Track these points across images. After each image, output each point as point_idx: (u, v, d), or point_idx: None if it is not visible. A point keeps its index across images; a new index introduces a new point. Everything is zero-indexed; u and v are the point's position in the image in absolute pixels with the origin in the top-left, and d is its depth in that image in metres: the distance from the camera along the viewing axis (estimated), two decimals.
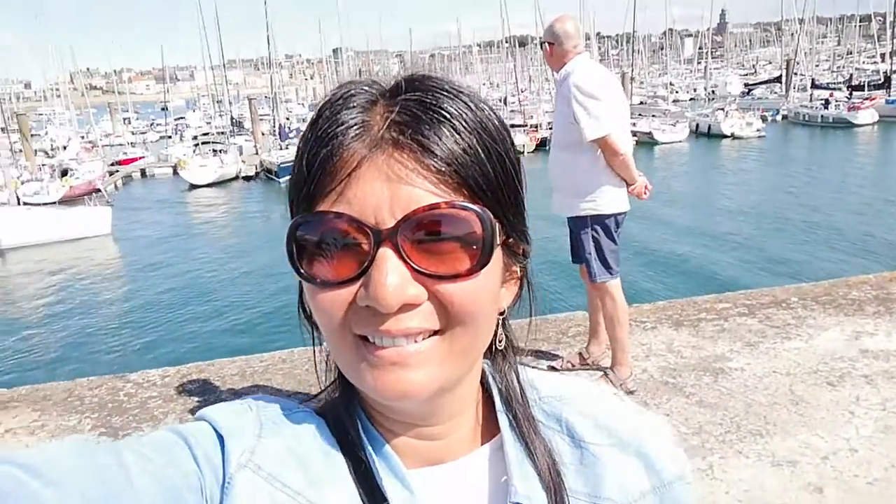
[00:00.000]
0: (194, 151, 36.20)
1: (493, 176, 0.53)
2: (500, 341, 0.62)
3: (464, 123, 0.52)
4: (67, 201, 26.13)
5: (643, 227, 16.33)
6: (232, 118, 44.59)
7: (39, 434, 3.43)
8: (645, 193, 3.50)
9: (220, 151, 35.11)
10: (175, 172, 34.25)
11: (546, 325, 4.49)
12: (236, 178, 33.36)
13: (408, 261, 0.50)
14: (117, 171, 36.23)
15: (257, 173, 33.54)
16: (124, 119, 55.25)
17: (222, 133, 41.42)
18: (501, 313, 0.61)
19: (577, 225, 3.51)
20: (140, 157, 39.90)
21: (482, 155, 0.52)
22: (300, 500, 0.54)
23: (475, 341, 0.56)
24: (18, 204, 23.16)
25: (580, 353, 3.85)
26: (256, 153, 36.48)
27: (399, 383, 0.52)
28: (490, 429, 0.64)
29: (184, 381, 3.83)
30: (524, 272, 0.62)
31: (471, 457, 0.62)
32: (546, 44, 3.50)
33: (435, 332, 0.53)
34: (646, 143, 34.91)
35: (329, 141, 0.52)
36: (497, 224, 0.53)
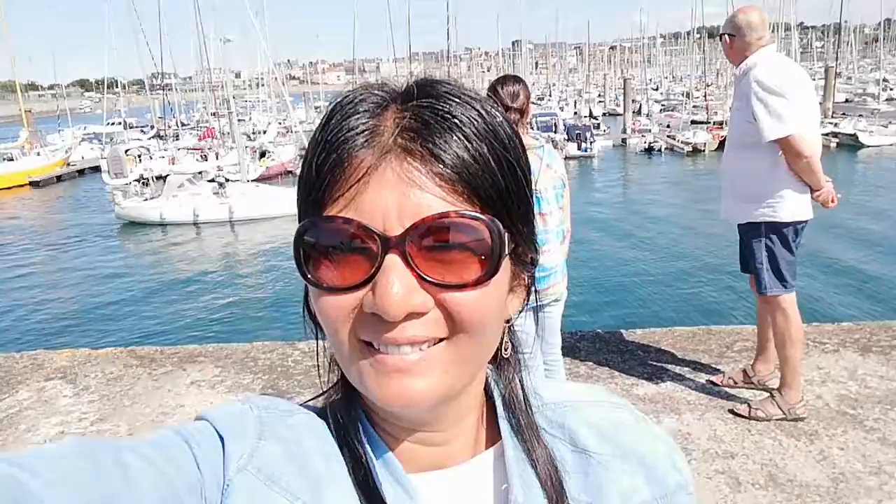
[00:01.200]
0: None
1: (503, 185, 0.53)
2: (505, 349, 0.62)
3: (475, 131, 0.52)
4: (262, 180, 28.89)
5: (834, 239, 14.76)
6: None
7: (218, 388, 3.84)
8: (832, 202, 3.15)
9: None
10: None
11: (709, 336, 4.22)
12: None
13: (415, 269, 0.50)
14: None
15: None
16: (315, 107, 59.72)
17: None
18: (508, 321, 0.61)
19: (749, 232, 3.25)
20: None
21: (493, 164, 0.52)
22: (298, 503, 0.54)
23: (481, 350, 0.56)
24: (147, 184, 25.93)
25: (744, 371, 3.58)
26: None
27: (403, 391, 0.52)
28: (492, 435, 0.64)
29: None
30: (531, 280, 0.61)
31: (472, 463, 0.62)
32: (726, 36, 3.25)
33: (440, 340, 0.52)
34: (848, 145, 31.40)
35: (339, 146, 0.52)
36: (506, 234, 0.53)
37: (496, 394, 0.64)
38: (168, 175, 25.48)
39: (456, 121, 0.51)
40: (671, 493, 0.63)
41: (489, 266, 0.52)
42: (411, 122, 0.51)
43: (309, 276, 0.53)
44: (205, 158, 34.85)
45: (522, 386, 0.64)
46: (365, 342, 0.52)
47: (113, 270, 18.22)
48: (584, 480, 0.62)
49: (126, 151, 36.85)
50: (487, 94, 2.83)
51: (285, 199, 22.60)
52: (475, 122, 0.52)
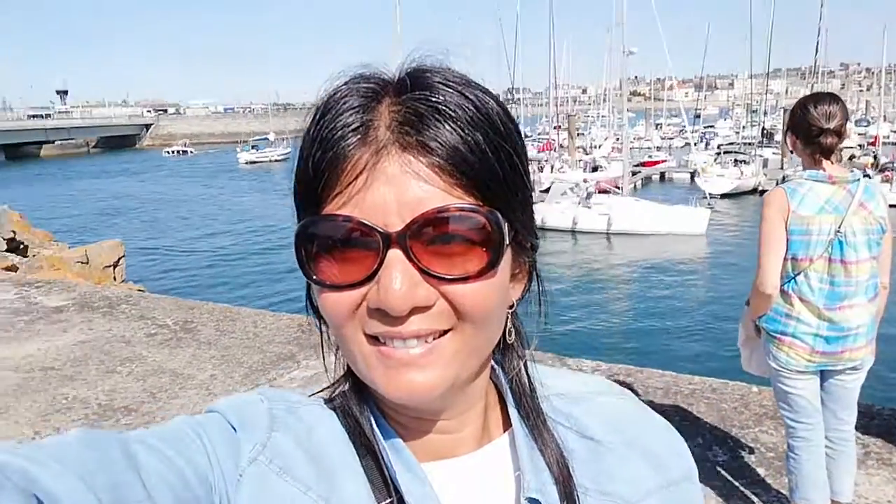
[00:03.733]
0: (715, 160, 35.93)
1: (501, 175, 0.52)
2: (509, 335, 0.61)
3: (470, 121, 0.51)
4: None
5: None
6: (763, 129, 42.54)
7: None
8: None
9: (742, 162, 33.97)
10: (692, 179, 34.67)
11: None
12: (754, 191, 31.79)
13: (417, 263, 0.50)
14: (639, 171, 38.68)
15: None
16: (656, 124, 58.39)
17: (749, 144, 39.93)
18: (511, 307, 0.60)
19: None
20: (662, 161, 41.65)
21: (490, 154, 0.51)
22: (311, 495, 0.54)
23: (486, 339, 0.55)
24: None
25: None
26: (782, 167, 34.00)
27: (410, 384, 0.51)
28: (500, 423, 0.64)
29: (610, 378, 3.87)
30: (533, 265, 0.61)
31: (482, 451, 0.61)
32: None
33: (445, 332, 0.52)
34: None
35: (334, 143, 0.51)
36: (506, 223, 0.52)
37: (503, 382, 0.63)
38: (553, 183, 27.29)
39: (451, 112, 0.50)
40: (675, 481, 0.63)
41: (491, 256, 0.52)
42: (406, 115, 0.51)
43: (311, 274, 0.53)
44: (541, 170, 36.64)
45: (527, 372, 0.64)
46: (370, 336, 0.52)
47: None
48: (591, 468, 0.61)
49: None
50: (796, 110, 2.37)
51: (667, 217, 22.71)
52: (471, 114, 0.51)
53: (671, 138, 55.85)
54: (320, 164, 0.51)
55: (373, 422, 0.59)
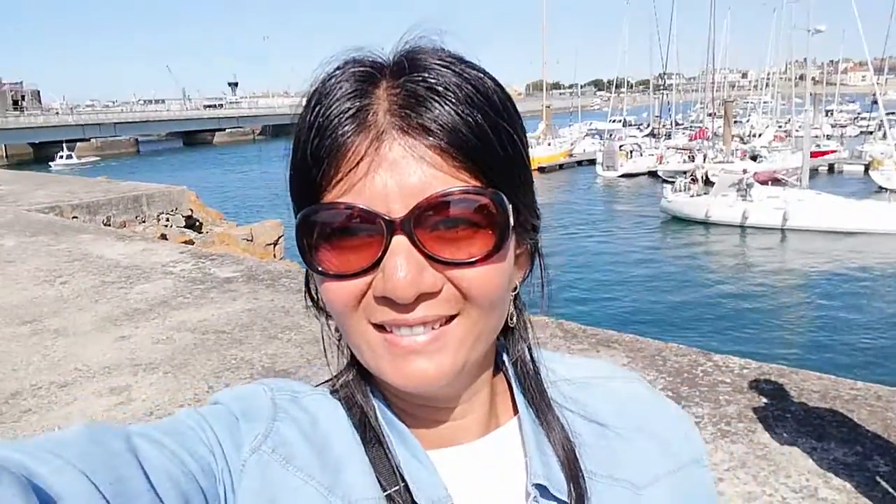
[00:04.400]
0: None
1: (502, 155, 0.51)
2: (511, 318, 0.60)
3: (470, 102, 0.49)
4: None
5: None
6: None
7: None
8: None
9: None
10: (866, 171, 31.40)
11: None
12: None
13: (423, 249, 0.49)
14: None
15: None
16: (826, 111, 53.35)
17: None
18: (514, 290, 0.59)
19: None
20: (831, 151, 38.05)
21: (491, 135, 0.50)
22: (314, 484, 0.53)
23: (492, 323, 0.55)
24: (695, 181, 25.49)
25: None
26: None
27: (418, 371, 0.51)
28: (506, 409, 0.63)
29: (759, 378, 3.66)
30: (535, 247, 0.60)
31: (488, 437, 0.61)
32: None
33: (452, 317, 0.51)
34: None
35: (332, 130, 0.50)
36: (509, 205, 0.51)
37: (509, 368, 0.63)
38: (720, 173, 25.73)
39: (450, 93, 0.49)
40: (685, 465, 0.62)
41: (497, 239, 0.51)
42: (405, 98, 0.49)
43: (314, 264, 0.52)
44: (692, 159, 34.76)
45: (532, 357, 0.63)
46: (376, 325, 0.52)
47: (622, 255, 19.61)
48: (598, 453, 0.61)
49: (620, 147, 39.39)
50: None
51: (857, 212, 20.77)
52: (471, 95, 0.50)
53: (843, 126, 50.83)
54: (318, 151, 0.50)
55: (377, 410, 0.58)
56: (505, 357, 0.63)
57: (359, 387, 0.59)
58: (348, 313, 0.52)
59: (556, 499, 0.57)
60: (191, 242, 11.21)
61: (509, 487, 0.59)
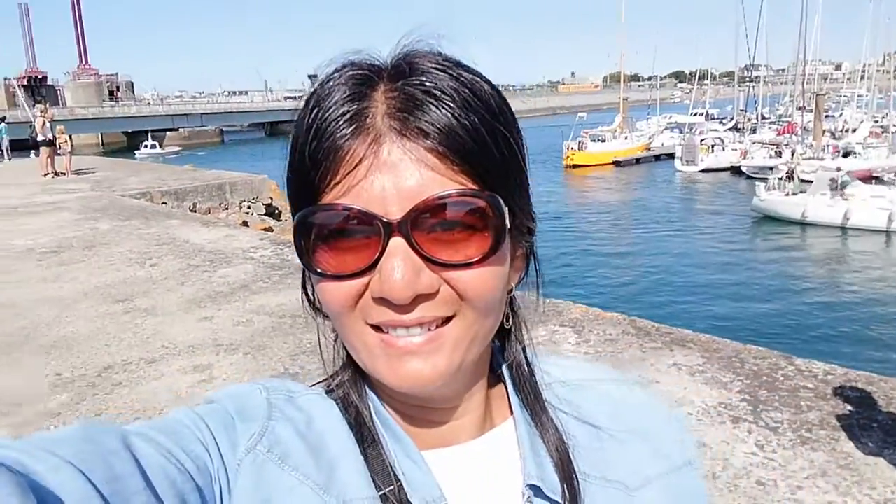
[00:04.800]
0: None
1: (499, 158, 0.52)
2: (507, 320, 0.60)
3: (467, 105, 0.50)
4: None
5: None
6: None
7: (697, 377, 3.79)
8: None
9: None
10: None
11: None
12: None
13: (420, 251, 0.49)
14: None
15: None
16: None
17: None
18: (510, 291, 0.59)
19: None
20: None
21: (488, 138, 0.51)
22: (309, 484, 0.53)
23: (488, 325, 0.55)
24: (791, 178, 24.16)
25: None
26: None
27: (414, 372, 0.51)
28: (500, 410, 0.63)
29: (844, 385, 3.49)
30: (530, 249, 0.60)
31: (483, 438, 0.61)
32: None
33: (448, 318, 0.52)
34: None
35: (330, 133, 0.50)
36: (506, 207, 0.52)
37: (504, 369, 0.63)
38: (815, 171, 24.48)
39: (447, 97, 0.50)
40: (677, 468, 0.63)
41: (493, 241, 0.51)
42: (402, 101, 0.50)
43: (312, 264, 0.53)
44: (778, 154, 33.24)
45: (527, 359, 0.64)
46: (372, 326, 0.52)
47: (695, 255, 18.87)
48: (592, 455, 0.61)
49: (701, 141, 38.08)
50: None
51: None
52: (468, 99, 0.50)
53: None
54: (317, 154, 0.51)
55: (373, 410, 0.59)
56: (500, 359, 0.64)
57: (354, 387, 0.60)
58: (345, 314, 0.53)
59: (549, 499, 0.58)
60: (270, 230, 11.61)
61: (504, 488, 0.59)
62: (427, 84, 0.50)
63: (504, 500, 0.59)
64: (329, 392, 0.61)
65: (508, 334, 0.64)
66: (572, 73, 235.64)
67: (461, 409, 0.60)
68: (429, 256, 0.50)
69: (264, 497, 0.52)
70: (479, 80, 0.53)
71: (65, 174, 15.62)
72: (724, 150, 37.37)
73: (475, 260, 0.51)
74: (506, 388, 0.64)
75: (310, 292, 0.61)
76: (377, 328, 0.52)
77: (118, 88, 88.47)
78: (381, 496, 0.54)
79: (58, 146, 15.84)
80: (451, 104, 0.50)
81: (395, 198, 0.49)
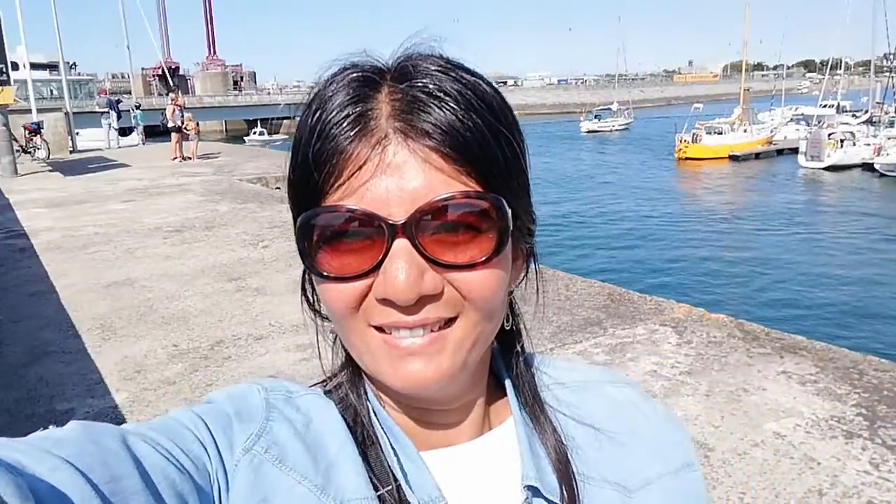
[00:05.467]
0: None
1: (502, 160, 0.52)
2: (507, 321, 0.60)
3: (471, 108, 0.50)
4: None
5: None
6: None
7: (808, 386, 3.55)
8: None
9: None
10: None
11: None
12: None
13: (424, 252, 0.49)
14: None
15: None
16: None
17: None
18: (510, 293, 0.60)
19: None
20: None
21: (491, 140, 0.51)
22: (307, 484, 0.53)
23: (490, 326, 0.55)
24: None
25: None
26: None
27: (417, 373, 0.51)
28: (500, 411, 0.63)
29: None
30: (530, 250, 0.60)
31: (482, 439, 0.61)
32: None
33: (451, 319, 0.52)
34: None
35: (334, 135, 0.50)
36: (508, 208, 0.51)
37: (503, 371, 0.63)
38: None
39: (451, 98, 0.50)
40: (676, 470, 0.63)
41: (497, 243, 0.51)
42: (406, 103, 0.50)
43: (315, 266, 0.52)
44: None
45: (526, 360, 0.64)
46: (375, 328, 0.52)
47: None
48: (590, 456, 0.61)
49: (829, 135, 35.45)
50: None
51: None
52: (471, 101, 0.50)
53: None
54: (320, 156, 0.51)
55: (371, 411, 0.59)
56: (500, 360, 0.64)
57: (353, 388, 0.60)
58: (348, 316, 0.53)
59: (548, 501, 0.57)
60: None
61: (502, 489, 0.59)
62: (431, 86, 0.50)
63: (503, 501, 0.58)
64: (327, 393, 0.61)
65: (508, 336, 0.64)
66: (689, 62, 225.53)
67: (461, 410, 0.60)
68: (433, 258, 0.50)
69: (261, 497, 0.52)
70: (481, 82, 0.53)
71: (191, 158, 16.69)
72: (854, 144, 34.56)
73: (479, 261, 0.51)
74: (505, 389, 0.63)
75: (309, 294, 0.61)
76: (380, 329, 0.52)
77: (242, 78, 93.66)
78: (379, 497, 0.54)
79: (186, 132, 16.96)
80: (455, 106, 0.50)
81: (399, 199, 0.49)
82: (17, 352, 4.42)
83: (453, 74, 0.52)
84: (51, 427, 0.45)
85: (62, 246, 7.49)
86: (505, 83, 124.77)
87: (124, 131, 23.73)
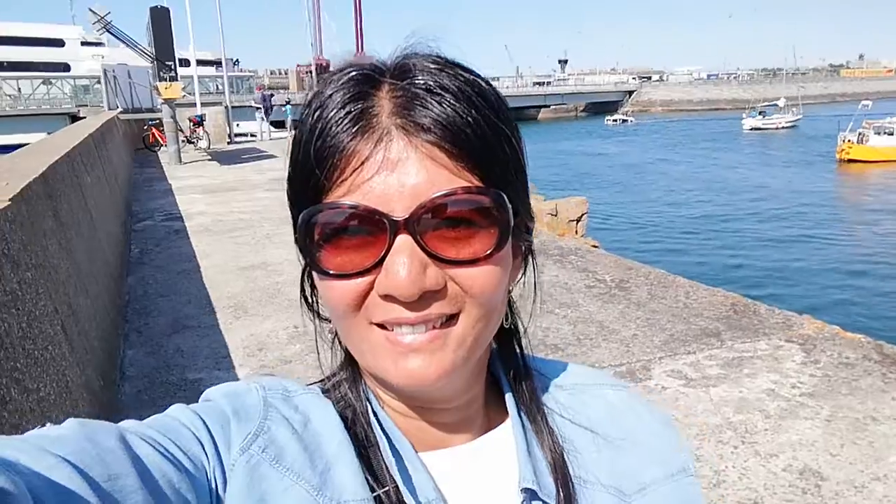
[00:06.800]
0: None
1: (502, 156, 0.52)
2: (506, 319, 0.60)
3: (470, 104, 0.50)
4: None
5: None
6: None
7: None
8: None
9: None
10: None
11: None
12: None
13: (426, 248, 0.50)
14: None
15: None
16: None
17: None
18: (508, 291, 0.60)
19: None
20: None
21: (491, 136, 0.51)
22: (303, 484, 0.53)
23: (491, 323, 0.55)
24: None
25: None
26: None
27: (419, 370, 0.51)
28: (497, 413, 0.63)
29: None
30: (528, 248, 0.60)
31: (480, 440, 0.61)
32: None
33: (453, 316, 0.52)
34: None
35: (336, 132, 0.50)
36: (510, 205, 0.52)
37: (501, 371, 0.64)
38: None
39: (451, 95, 0.50)
40: (673, 474, 0.63)
41: (498, 238, 0.52)
42: (407, 100, 0.50)
43: (317, 263, 0.53)
44: None
45: (524, 361, 0.64)
46: (377, 325, 0.52)
47: None
48: (587, 459, 0.61)
49: None
50: None
51: None
52: (472, 97, 0.51)
53: None
54: (321, 153, 0.51)
55: (370, 411, 0.58)
56: (498, 361, 0.64)
57: (352, 387, 0.60)
58: (350, 313, 0.53)
59: (544, 503, 0.58)
60: None
61: (499, 491, 0.59)
62: (431, 82, 0.51)
63: (499, 502, 0.59)
64: (326, 392, 0.61)
65: (506, 336, 0.64)
66: (860, 56, 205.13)
67: (459, 411, 0.60)
68: (435, 254, 0.50)
69: (258, 497, 0.52)
70: (478, 79, 0.54)
71: None
72: None
73: (481, 257, 0.51)
74: (503, 390, 0.63)
75: (307, 293, 0.62)
76: (381, 327, 0.53)
77: None
78: (376, 497, 0.54)
79: None
80: (455, 101, 0.50)
81: (401, 196, 0.49)
82: (161, 323, 4.92)
83: (451, 71, 0.52)
84: (48, 425, 0.45)
85: (210, 229, 8.20)
86: (648, 78, 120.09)
87: (277, 124, 25.39)
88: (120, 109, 18.28)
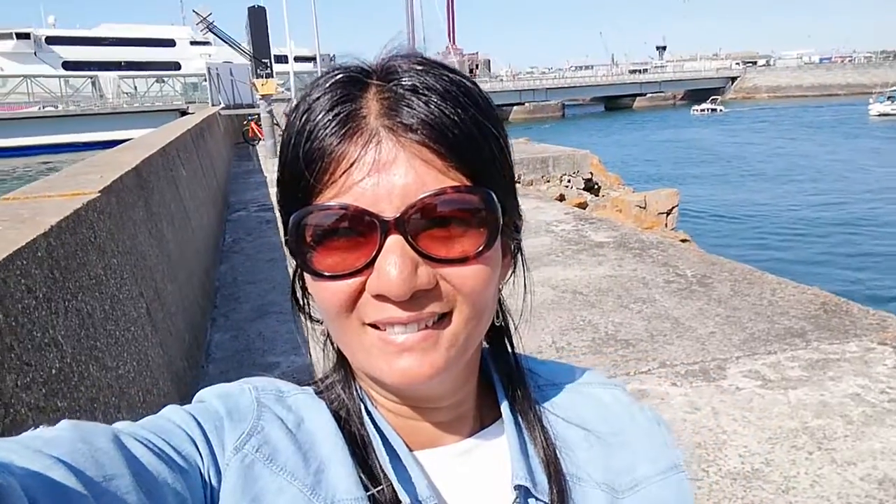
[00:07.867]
0: None
1: (489, 155, 0.53)
2: (497, 317, 0.61)
3: (459, 106, 0.51)
4: None
5: None
6: None
7: None
8: None
9: None
10: None
11: None
12: None
13: (417, 248, 0.50)
14: None
15: None
16: None
17: None
18: (499, 290, 0.61)
19: None
20: None
21: (478, 135, 0.52)
22: (297, 484, 0.53)
23: (482, 321, 0.56)
24: None
25: None
26: None
27: (411, 368, 0.52)
28: (490, 411, 0.64)
29: None
30: (517, 247, 0.61)
31: (473, 439, 0.62)
32: None
33: (444, 316, 0.53)
34: None
35: (325, 134, 0.51)
36: (499, 204, 0.52)
37: (493, 370, 0.64)
38: None
39: (437, 95, 0.51)
40: (663, 471, 0.63)
41: (488, 237, 0.52)
42: (395, 101, 0.51)
43: (308, 265, 0.53)
44: None
45: (516, 360, 0.65)
46: (369, 325, 0.53)
47: None
48: (580, 457, 0.62)
49: None
50: None
51: None
52: (459, 98, 0.51)
53: None
54: (311, 155, 0.51)
55: (363, 411, 0.59)
56: (490, 360, 0.65)
57: (346, 388, 0.61)
58: (342, 313, 0.53)
59: (538, 500, 0.58)
60: (584, 205, 11.78)
61: (492, 488, 0.59)
62: (417, 83, 0.51)
63: (493, 500, 0.59)
64: (319, 393, 0.62)
65: (498, 335, 0.65)
66: None
67: (451, 410, 0.61)
68: (425, 253, 0.50)
69: (252, 497, 0.52)
70: (464, 80, 0.54)
71: None
72: None
73: (471, 255, 0.52)
74: (495, 389, 0.64)
75: (298, 295, 0.62)
76: (374, 327, 0.53)
77: (477, 66, 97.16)
78: (369, 497, 0.55)
79: None
80: (442, 102, 0.51)
81: (391, 196, 0.50)
82: (246, 308, 5.19)
83: (437, 72, 0.53)
84: (42, 427, 0.45)
85: None
86: (754, 63, 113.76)
87: None
88: (222, 105, 19.27)
